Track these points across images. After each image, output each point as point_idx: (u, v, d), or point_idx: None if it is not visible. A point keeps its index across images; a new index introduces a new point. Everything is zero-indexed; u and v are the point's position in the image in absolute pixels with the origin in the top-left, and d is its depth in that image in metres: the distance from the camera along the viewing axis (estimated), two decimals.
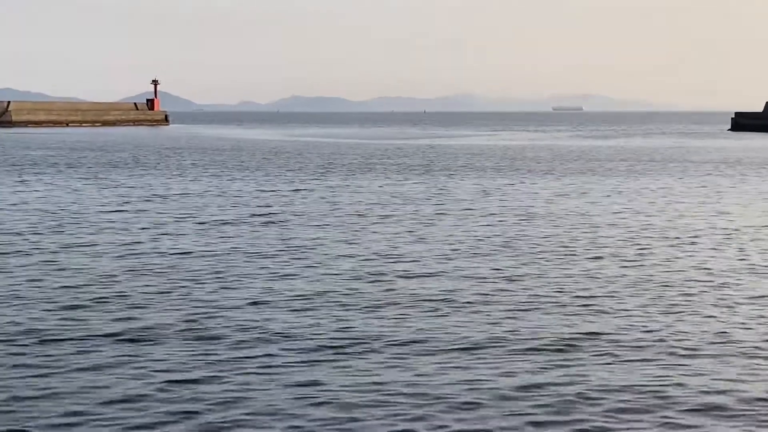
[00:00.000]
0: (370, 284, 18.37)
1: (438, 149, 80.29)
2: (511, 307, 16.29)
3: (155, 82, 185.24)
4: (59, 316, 15.59)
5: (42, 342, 13.97)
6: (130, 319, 15.40)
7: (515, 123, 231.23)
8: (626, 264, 20.85)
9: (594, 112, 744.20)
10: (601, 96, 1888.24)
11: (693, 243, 24.06)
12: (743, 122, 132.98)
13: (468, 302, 16.65)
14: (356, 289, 17.89)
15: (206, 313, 15.86)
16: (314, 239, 24.60)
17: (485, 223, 28.01)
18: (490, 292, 17.55)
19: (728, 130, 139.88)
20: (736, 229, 26.81)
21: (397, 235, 25.32)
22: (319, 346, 13.58)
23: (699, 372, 12.29)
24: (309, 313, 15.80)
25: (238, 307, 16.28)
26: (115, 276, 19.34)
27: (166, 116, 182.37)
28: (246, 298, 17.05)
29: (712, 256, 21.91)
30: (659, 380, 11.90)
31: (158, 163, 58.37)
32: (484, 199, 35.49)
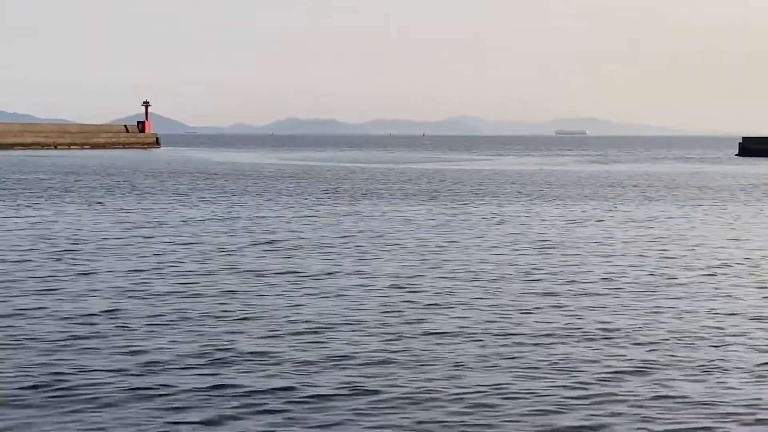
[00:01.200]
0: (391, 316, 18.15)
1: (441, 174, 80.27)
2: (534, 338, 16.09)
3: (146, 104, 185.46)
4: (60, 350, 15.33)
5: (42, 384, 13.71)
6: (134, 352, 15.15)
7: (518, 147, 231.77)
8: (649, 295, 20.68)
9: (598, 137, 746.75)
10: (605, 120, 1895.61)
11: (716, 273, 23.88)
12: (751, 147, 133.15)
13: (490, 333, 16.45)
14: (373, 321, 17.68)
15: (221, 346, 15.61)
16: (326, 268, 24.39)
17: (500, 252, 27.82)
18: (511, 325, 17.36)
19: (736, 155, 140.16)
20: (763, 258, 26.66)
21: (412, 265, 25.11)
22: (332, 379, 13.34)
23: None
24: (326, 343, 15.56)
25: (255, 339, 16.04)
26: (120, 308, 19.10)
27: (157, 139, 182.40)
28: (261, 331, 16.81)
29: (736, 286, 21.76)
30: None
31: (156, 188, 58.18)
32: (497, 227, 35.33)
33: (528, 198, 50.96)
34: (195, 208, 43.53)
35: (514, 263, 25.49)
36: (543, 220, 38.09)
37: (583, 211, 42.44)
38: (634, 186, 63.70)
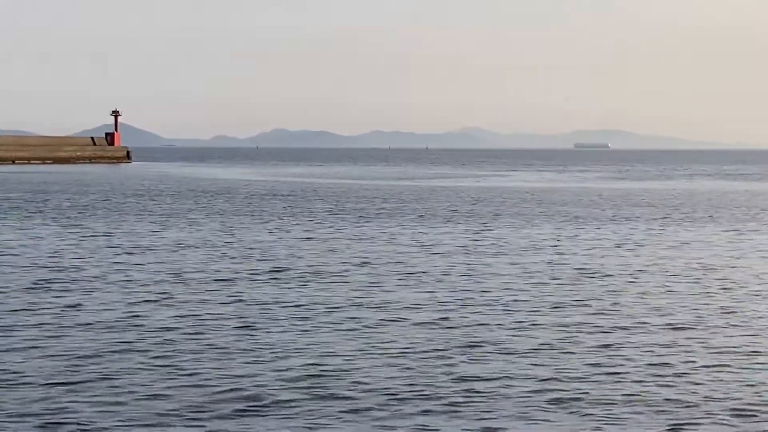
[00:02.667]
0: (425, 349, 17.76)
1: (453, 192, 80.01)
2: (590, 376, 15.72)
3: (116, 113, 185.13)
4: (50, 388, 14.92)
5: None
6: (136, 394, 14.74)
7: (534, 162, 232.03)
8: (712, 331, 20.31)
9: (621, 150, 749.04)
10: (628, 132, 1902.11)
11: None
12: None
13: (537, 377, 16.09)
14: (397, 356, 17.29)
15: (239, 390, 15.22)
16: (344, 300, 24.00)
17: (538, 281, 27.47)
18: (561, 368, 16.99)
19: None
20: None
21: (443, 299, 24.75)
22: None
23: None
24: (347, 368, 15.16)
25: (281, 379, 15.64)
26: (109, 350, 18.70)
27: (128, 152, 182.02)
28: (284, 368, 16.42)
29: None
30: None
31: (135, 209, 57.85)
32: (529, 253, 34.98)
33: (553, 219, 50.60)
34: (183, 231, 43.18)
35: (559, 295, 25.11)
36: (578, 245, 37.72)
37: (621, 233, 42.08)
38: (674, 208, 63.39)
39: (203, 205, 60.02)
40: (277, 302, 23.55)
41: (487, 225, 46.72)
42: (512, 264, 31.37)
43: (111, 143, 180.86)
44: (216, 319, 21.27)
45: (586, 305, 23.39)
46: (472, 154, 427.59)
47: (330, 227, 44.94)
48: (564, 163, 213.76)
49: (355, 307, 23.00)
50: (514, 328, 20.41)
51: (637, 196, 76.09)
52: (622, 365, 17.09)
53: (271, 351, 18.13)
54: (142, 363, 17.07)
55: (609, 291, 25.71)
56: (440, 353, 17.97)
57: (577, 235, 41.57)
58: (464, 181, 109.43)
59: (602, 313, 22.27)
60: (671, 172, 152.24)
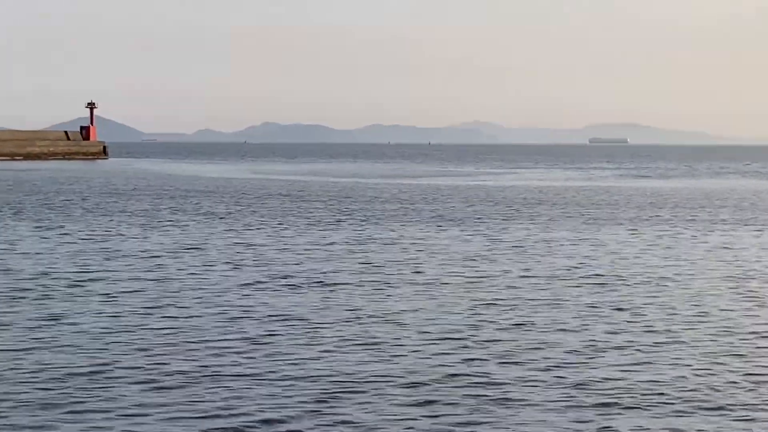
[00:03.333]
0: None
1: (461, 191, 79.82)
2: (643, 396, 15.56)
3: (91, 106, 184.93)
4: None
5: None
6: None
7: (547, 158, 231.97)
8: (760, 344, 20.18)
9: (641, 145, 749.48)
10: (647, 126, 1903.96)
11: None
12: None
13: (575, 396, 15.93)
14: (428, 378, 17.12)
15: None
16: (353, 313, 23.84)
17: (563, 285, 27.30)
18: (597, 379, 16.84)
19: None
20: None
21: (464, 312, 24.59)
22: None
23: None
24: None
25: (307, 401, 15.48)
26: (88, 368, 18.53)
27: (104, 148, 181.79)
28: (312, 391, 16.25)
29: None
30: None
31: (117, 209, 57.70)
32: (551, 257, 34.83)
33: (573, 220, 50.41)
34: (168, 235, 43.01)
35: (585, 301, 24.95)
36: (608, 247, 37.54)
37: (647, 236, 41.93)
38: (701, 207, 63.26)
39: (191, 207, 59.80)
40: (279, 315, 23.35)
41: (504, 227, 46.54)
42: (528, 269, 31.18)
43: (86, 138, 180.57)
44: (211, 334, 21.07)
45: (638, 314, 23.24)
46: (479, 149, 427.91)
47: (332, 231, 44.73)
48: (580, 160, 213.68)
49: (368, 318, 22.81)
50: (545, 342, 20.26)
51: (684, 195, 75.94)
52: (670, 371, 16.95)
53: (272, 371, 17.94)
54: (128, 382, 16.88)
55: (657, 296, 25.55)
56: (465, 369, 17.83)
57: (603, 237, 41.43)
58: (475, 179, 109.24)
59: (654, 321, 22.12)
60: (695, 169, 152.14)
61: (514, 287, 27.61)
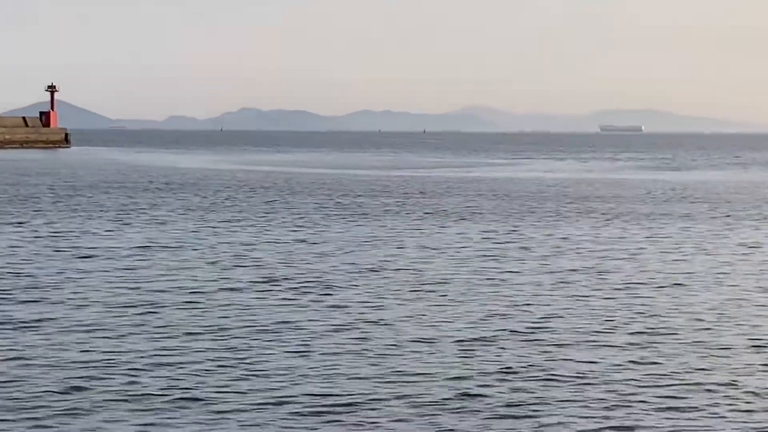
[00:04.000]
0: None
1: (464, 184, 79.72)
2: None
3: (52, 89, 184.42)
4: None
5: None
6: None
7: (555, 148, 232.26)
8: None
9: (657, 134, 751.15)
10: (665, 113, 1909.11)
11: None
12: None
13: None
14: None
15: None
16: (354, 312, 23.67)
17: (578, 288, 27.18)
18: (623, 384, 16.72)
19: None
20: None
21: (472, 319, 24.47)
22: None
23: None
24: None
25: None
26: (64, 384, 18.35)
27: (66, 135, 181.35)
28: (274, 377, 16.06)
29: None
30: None
31: (84, 205, 57.49)
32: (565, 257, 34.76)
33: (591, 217, 50.35)
34: (143, 232, 42.83)
35: (610, 306, 24.86)
36: (628, 246, 37.47)
37: (669, 234, 41.89)
38: (727, 202, 63.21)
39: (167, 202, 59.60)
40: (269, 321, 23.20)
41: (514, 225, 46.46)
42: (539, 270, 31.08)
43: (46, 124, 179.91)
44: (190, 341, 20.89)
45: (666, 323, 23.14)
46: (479, 138, 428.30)
47: (323, 227, 44.60)
48: (593, 149, 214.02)
49: (367, 324, 22.67)
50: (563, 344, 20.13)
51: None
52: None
53: (263, 378, 17.78)
54: (97, 394, 16.71)
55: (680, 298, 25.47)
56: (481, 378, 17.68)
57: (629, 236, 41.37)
58: (479, 170, 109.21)
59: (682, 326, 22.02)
60: (720, 159, 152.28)
61: (532, 289, 27.49)
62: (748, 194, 69.88)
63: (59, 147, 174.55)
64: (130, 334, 21.65)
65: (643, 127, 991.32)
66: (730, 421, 15.82)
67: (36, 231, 42.32)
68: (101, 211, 52.19)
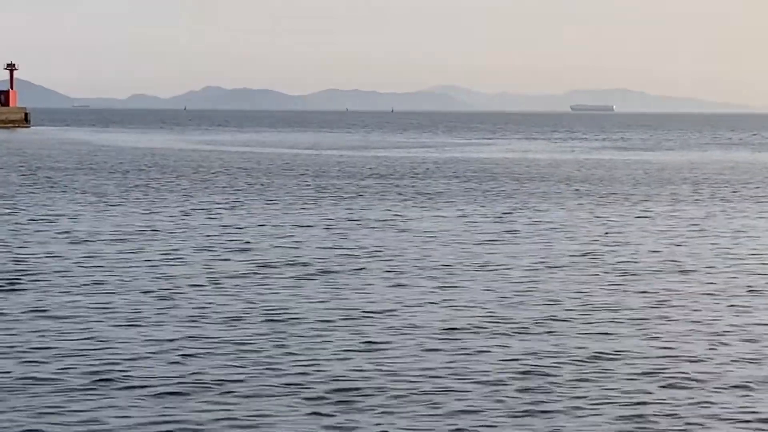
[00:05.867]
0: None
1: (440, 164, 79.69)
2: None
3: (11, 67, 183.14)
4: None
5: None
6: None
7: (528, 127, 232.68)
8: None
9: (629, 113, 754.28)
10: (638, 92, 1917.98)
11: None
12: None
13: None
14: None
15: None
16: (348, 300, 23.56)
17: (577, 276, 27.18)
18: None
19: None
20: None
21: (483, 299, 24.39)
22: None
23: None
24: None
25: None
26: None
27: (26, 115, 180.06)
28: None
29: None
30: None
31: (47, 186, 57.17)
32: (555, 241, 34.82)
33: (571, 199, 50.43)
34: (112, 219, 42.56)
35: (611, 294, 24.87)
36: (611, 228, 37.56)
37: (654, 214, 42.04)
38: (712, 184, 63.49)
39: (135, 184, 59.27)
40: (264, 308, 23.02)
41: (496, 208, 46.53)
42: (532, 256, 31.08)
43: (5, 104, 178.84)
44: (172, 332, 20.73)
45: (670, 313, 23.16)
46: (450, 117, 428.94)
47: (304, 209, 44.47)
48: (563, 128, 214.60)
49: (363, 313, 22.57)
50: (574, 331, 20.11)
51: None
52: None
53: (259, 369, 17.65)
54: (82, 386, 16.56)
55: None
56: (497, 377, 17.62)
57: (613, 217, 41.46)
58: (450, 151, 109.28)
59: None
60: (695, 138, 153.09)
61: (522, 273, 27.47)
62: (730, 175, 70.23)
63: (18, 127, 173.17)
64: (104, 322, 21.47)
65: (614, 107, 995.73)
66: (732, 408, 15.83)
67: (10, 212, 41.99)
68: (62, 193, 51.85)
